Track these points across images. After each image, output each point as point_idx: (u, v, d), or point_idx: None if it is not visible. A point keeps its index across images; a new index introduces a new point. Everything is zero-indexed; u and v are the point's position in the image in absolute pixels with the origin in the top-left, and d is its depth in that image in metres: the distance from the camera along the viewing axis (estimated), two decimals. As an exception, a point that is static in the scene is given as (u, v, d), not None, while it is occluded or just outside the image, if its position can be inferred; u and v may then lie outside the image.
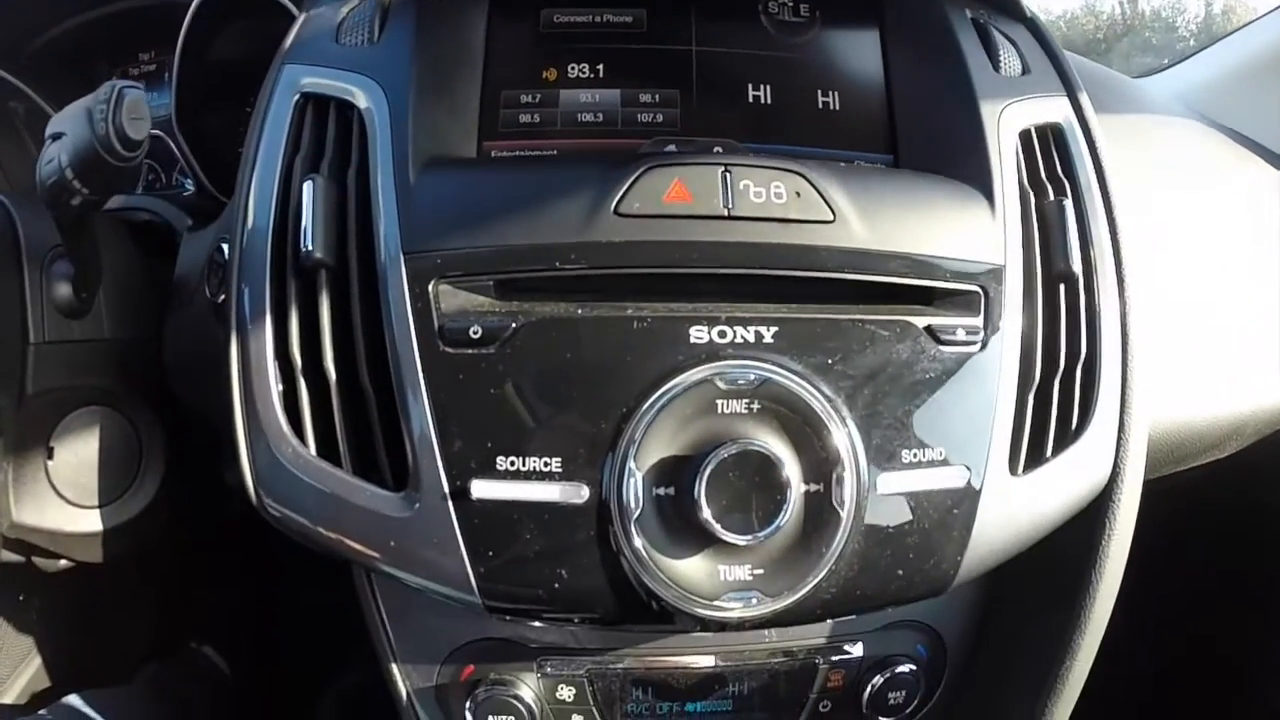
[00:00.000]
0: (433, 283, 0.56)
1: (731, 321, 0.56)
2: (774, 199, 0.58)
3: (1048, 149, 0.69)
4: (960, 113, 0.67)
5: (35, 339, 0.74)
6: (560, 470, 0.54)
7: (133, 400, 0.79)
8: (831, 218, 0.59)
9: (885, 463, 0.57)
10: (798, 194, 0.58)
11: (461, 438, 0.55)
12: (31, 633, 1.06)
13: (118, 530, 0.80)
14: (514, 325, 0.55)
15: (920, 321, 0.59)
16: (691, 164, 0.58)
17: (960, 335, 0.59)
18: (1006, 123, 0.66)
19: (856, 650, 0.70)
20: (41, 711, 0.92)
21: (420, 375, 0.55)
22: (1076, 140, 0.69)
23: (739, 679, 0.69)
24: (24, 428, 0.75)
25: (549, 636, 0.68)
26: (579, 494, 0.54)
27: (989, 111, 0.66)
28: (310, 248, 0.58)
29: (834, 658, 0.69)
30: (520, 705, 0.67)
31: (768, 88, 0.70)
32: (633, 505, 0.53)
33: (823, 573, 0.55)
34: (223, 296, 0.68)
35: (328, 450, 0.58)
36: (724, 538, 0.52)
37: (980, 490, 0.59)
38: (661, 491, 0.54)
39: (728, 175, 0.58)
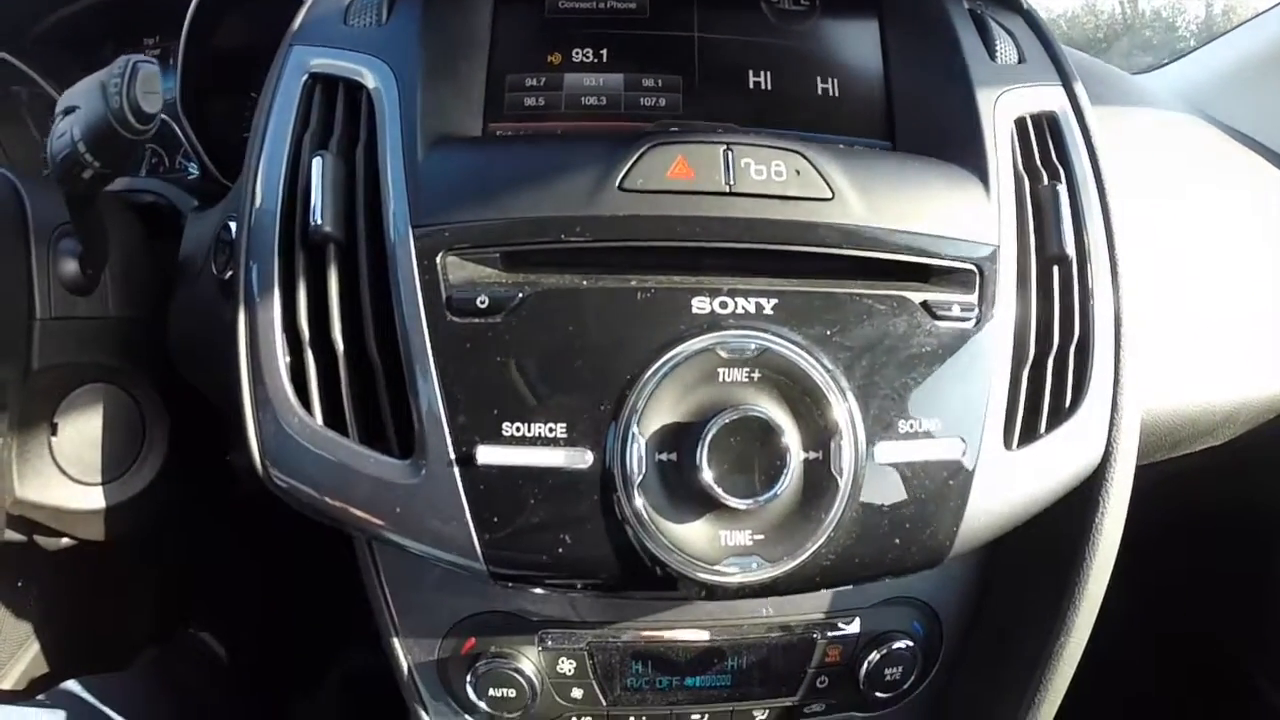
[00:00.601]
0: (440, 255, 0.58)
1: (733, 293, 0.58)
2: (774, 177, 0.60)
3: (1042, 136, 0.71)
4: (957, 100, 0.69)
5: (41, 314, 0.75)
6: (565, 436, 0.56)
7: (136, 378, 0.81)
8: (830, 196, 0.61)
9: (882, 433, 0.58)
10: (797, 172, 0.61)
11: (468, 405, 0.56)
12: (30, 619, 1.07)
13: (120, 507, 0.82)
14: (520, 295, 0.57)
15: (917, 297, 0.61)
16: (694, 142, 0.60)
17: (956, 311, 0.61)
18: (1002, 110, 0.69)
19: (853, 626, 0.72)
20: (40, 697, 0.95)
21: (428, 345, 0.57)
22: (1071, 128, 0.71)
23: (738, 653, 0.71)
24: (28, 403, 0.76)
25: (550, 609, 0.69)
26: (583, 459, 0.56)
27: (985, 98, 0.68)
28: (320, 221, 0.60)
29: (831, 633, 0.71)
30: (521, 678, 0.68)
31: (768, 74, 0.72)
32: (635, 470, 0.55)
33: (821, 539, 0.57)
34: (229, 273, 0.70)
35: (334, 420, 0.60)
36: (725, 501, 0.54)
37: (975, 463, 0.60)
38: (664, 457, 0.56)
39: (729, 153, 0.60)
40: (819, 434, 0.57)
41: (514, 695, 0.69)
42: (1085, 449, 0.66)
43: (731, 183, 0.60)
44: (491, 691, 0.69)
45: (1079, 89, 0.72)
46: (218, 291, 0.74)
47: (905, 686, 0.73)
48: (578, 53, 0.71)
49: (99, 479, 0.81)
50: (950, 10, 0.73)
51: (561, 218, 0.58)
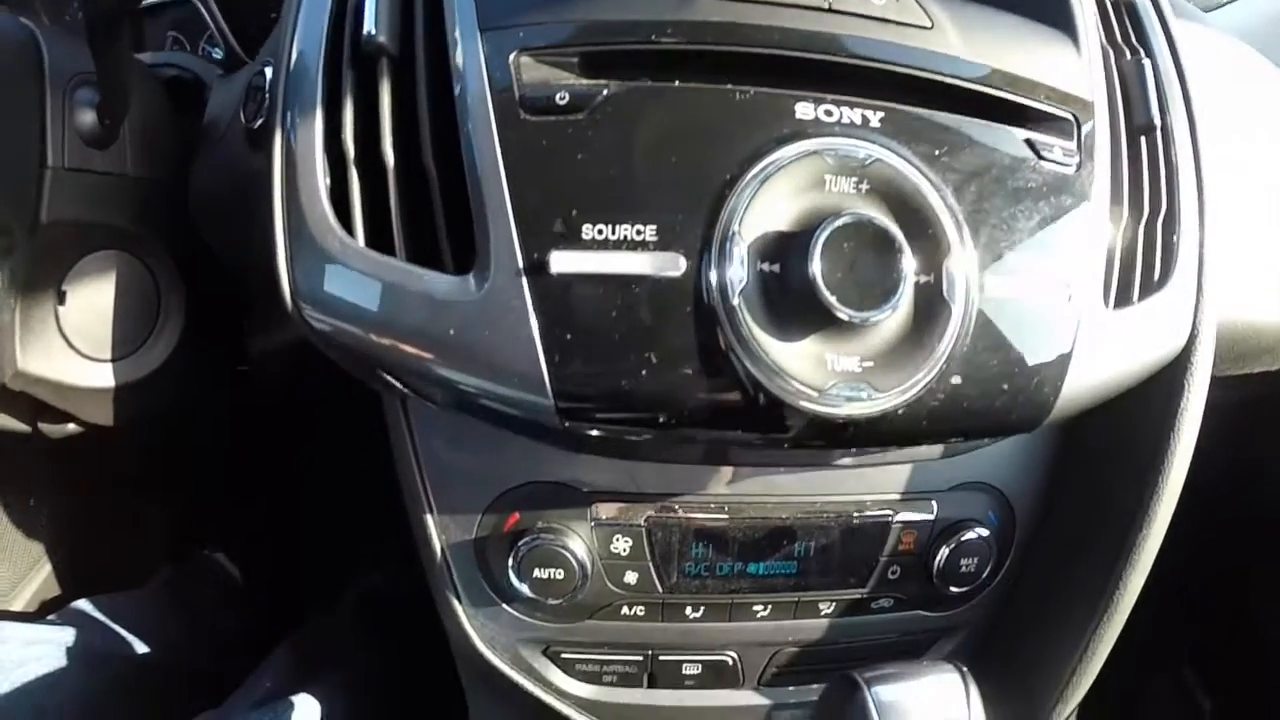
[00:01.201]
0: (513, 55, 0.49)
1: (838, 103, 0.49)
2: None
3: (1121, 17, 0.65)
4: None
5: (54, 163, 0.64)
6: (655, 239, 0.46)
7: (153, 247, 0.70)
8: (929, 24, 0.53)
9: (993, 263, 0.50)
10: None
11: (542, 206, 0.47)
12: (41, 540, 0.97)
13: (130, 388, 0.71)
14: (606, 92, 0.48)
15: (1020, 134, 0.53)
16: (791, -47, 0.51)
17: (1058, 155, 0.54)
18: (1085, -12, 0.61)
19: (929, 511, 0.62)
20: (50, 616, 0.84)
21: (497, 145, 0.47)
22: (1149, 14, 0.65)
23: (808, 535, 0.60)
24: (35, 264, 0.65)
25: (606, 479, 0.59)
26: (675, 266, 0.46)
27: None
28: (374, 31, 0.51)
29: (906, 516, 0.61)
30: (569, 556, 0.57)
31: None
32: (736, 278, 0.45)
33: (934, 371, 0.47)
34: (260, 121, 0.59)
35: (379, 242, 0.50)
36: (837, 311, 0.44)
37: (1078, 314, 0.52)
38: (766, 267, 0.46)
39: (829, -31, 0.51)
40: (931, 255, 0.48)
41: (561, 577, 0.58)
42: (1174, 324, 0.58)
43: (830, 0, 0.50)
44: (536, 573, 0.58)
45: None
46: (246, 144, 0.63)
47: (978, 582, 0.63)
48: None
49: (108, 355, 0.70)
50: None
51: (651, 20, 0.49)
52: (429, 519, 0.60)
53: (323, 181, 0.50)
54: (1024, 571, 0.66)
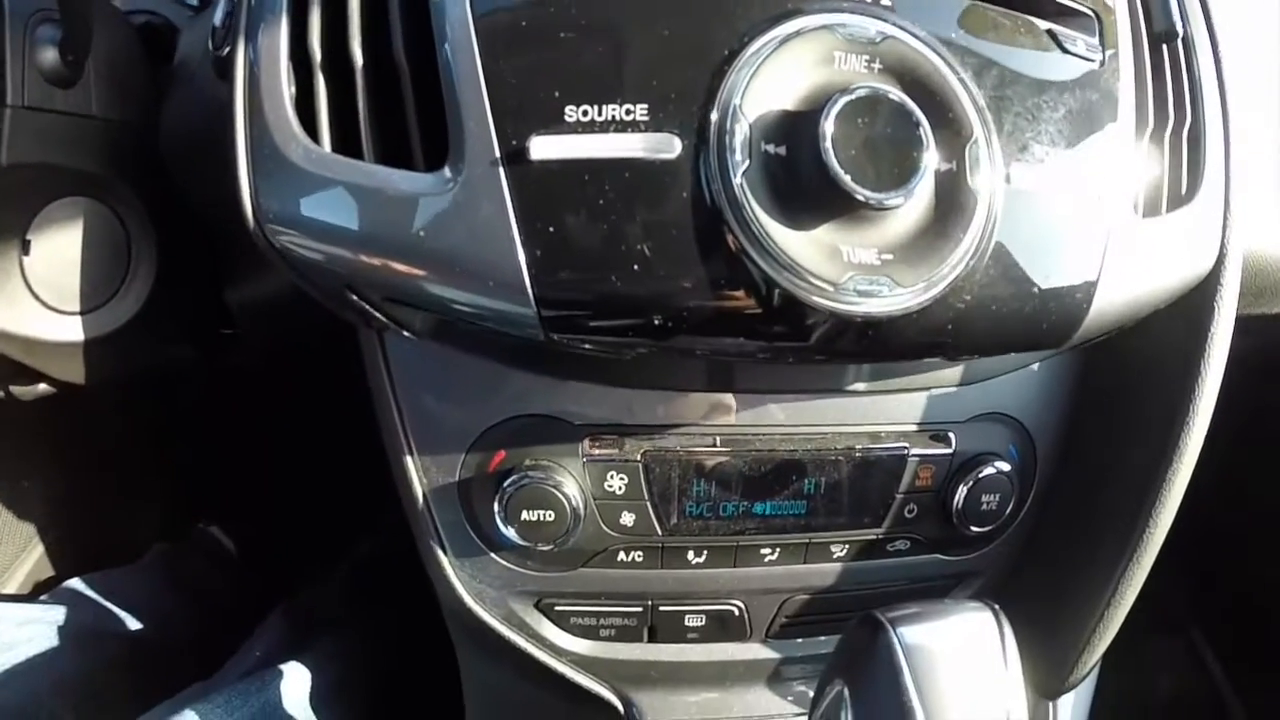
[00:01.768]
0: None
1: (847, -24, 0.41)
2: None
3: None
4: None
5: (13, 101, 0.57)
6: (646, 119, 0.39)
7: (122, 193, 0.62)
8: (944, -92, 0.45)
9: (1018, 154, 0.43)
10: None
11: (520, 89, 0.40)
12: (33, 520, 0.91)
13: (100, 343, 0.63)
14: (589, -39, 0.40)
15: (1041, 24, 0.46)
16: None
17: (1081, 48, 0.47)
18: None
19: (947, 444, 0.54)
20: (43, 596, 0.79)
21: (471, 24, 0.40)
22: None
23: (818, 470, 0.53)
24: None
25: (599, 410, 0.51)
26: (669, 147, 0.39)
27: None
28: None
29: (924, 450, 0.53)
30: (560, 496, 0.49)
31: None
32: (739, 159, 0.37)
33: (960, 265, 0.41)
34: (228, 48, 0.51)
35: (346, 148, 0.42)
36: (855, 193, 0.37)
37: (1107, 217, 0.45)
38: (771, 149, 0.38)
39: None
40: (951, 140, 0.41)
41: (551, 519, 0.50)
42: (1203, 241, 0.51)
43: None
44: (524, 515, 0.50)
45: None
46: (215, 75, 0.55)
47: (999, 521, 0.55)
48: None
49: (76, 307, 0.62)
50: None
51: None
52: (409, 461, 0.52)
53: (287, 90, 0.43)
54: (1046, 511, 0.59)
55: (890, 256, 0.39)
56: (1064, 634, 0.57)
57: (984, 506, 0.54)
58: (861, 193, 0.37)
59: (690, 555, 0.54)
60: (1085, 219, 0.44)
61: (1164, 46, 0.52)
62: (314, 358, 0.96)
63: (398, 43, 0.42)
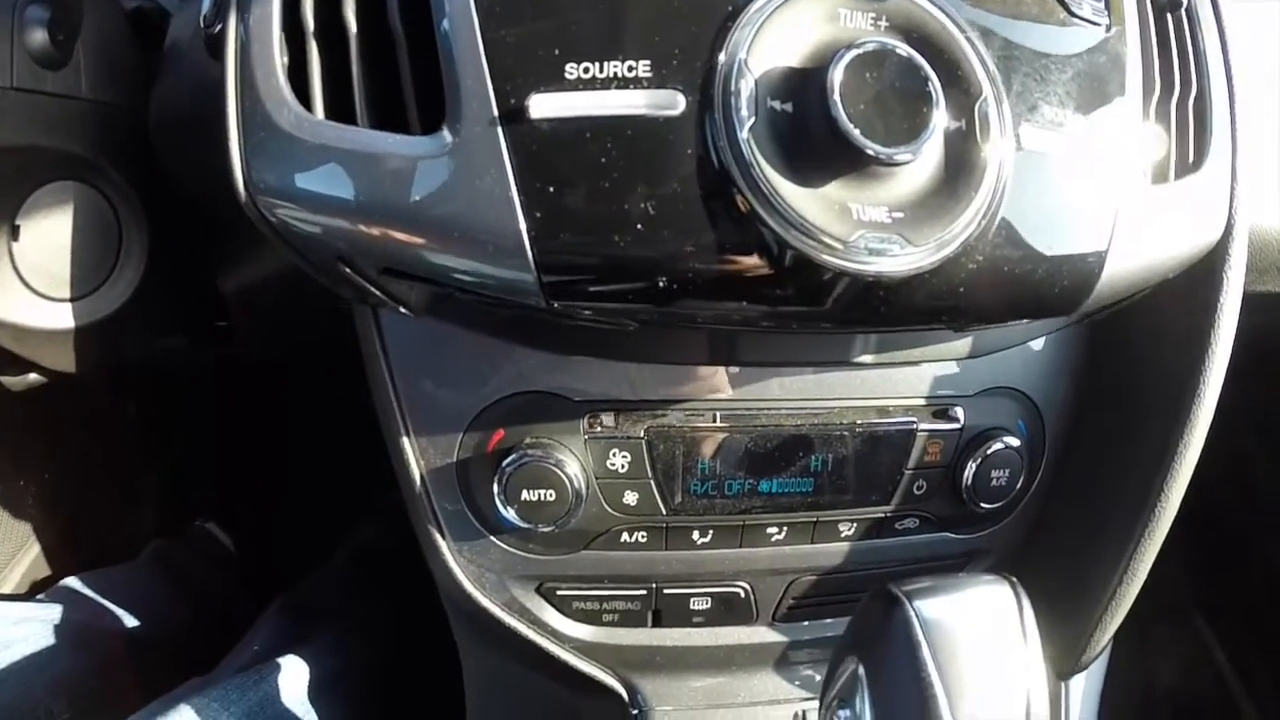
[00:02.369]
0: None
1: (850, -66, 0.39)
2: None
3: None
4: None
5: (1, 82, 0.54)
6: (649, 75, 0.37)
7: (113, 178, 0.60)
8: None
9: (1028, 114, 0.41)
10: None
11: (519, 46, 0.37)
12: (29, 518, 0.88)
13: (92, 330, 0.60)
14: (588, -86, 0.38)
15: None
16: None
17: (1088, 11, 0.45)
18: None
19: (955, 418, 0.52)
20: (39, 596, 0.76)
21: None
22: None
23: (825, 446, 0.50)
24: None
25: (600, 385, 0.49)
26: (673, 104, 0.37)
27: None
28: None
29: (932, 425, 0.51)
30: (561, 475, 0.47)
31: None
32: (745, 115, 0.35)
33: (971, 225, 0.38)
34: (220, 25, 0.49)
35: (340, 115, 0.40)
36: (865, 147, 0.35)
37: (1119, 178, 0.43)
38: (777, 106, 0.36)
39: None
40: (960, 100, 0.39)
41: (552, 499, 0.47)
42: (1211, 210, 0.49)
43: None
44: (525, 495, 0.47)
45: None
46: (206, 55, 0.52)
47: (1009, 497, 0.53)
48: None
49: (67, 294, 0.59)
50: None
51: None
52: (405, 443, 0.49)
53: (280, 59, 0.40)
54: (1055, 488, 0.56)
55: (901, 215, 0.37)
56: (1076, 612, 0.55)
57: (994, 482, 0.52)
58: (871, 147, 0.35)
59: (695, 535, 0.51)
60: (1096, 183, 0.42)
61: (1168, 16, 0.50)
62: (309, 349, 0.94)
63: (393, 3, 0.40)
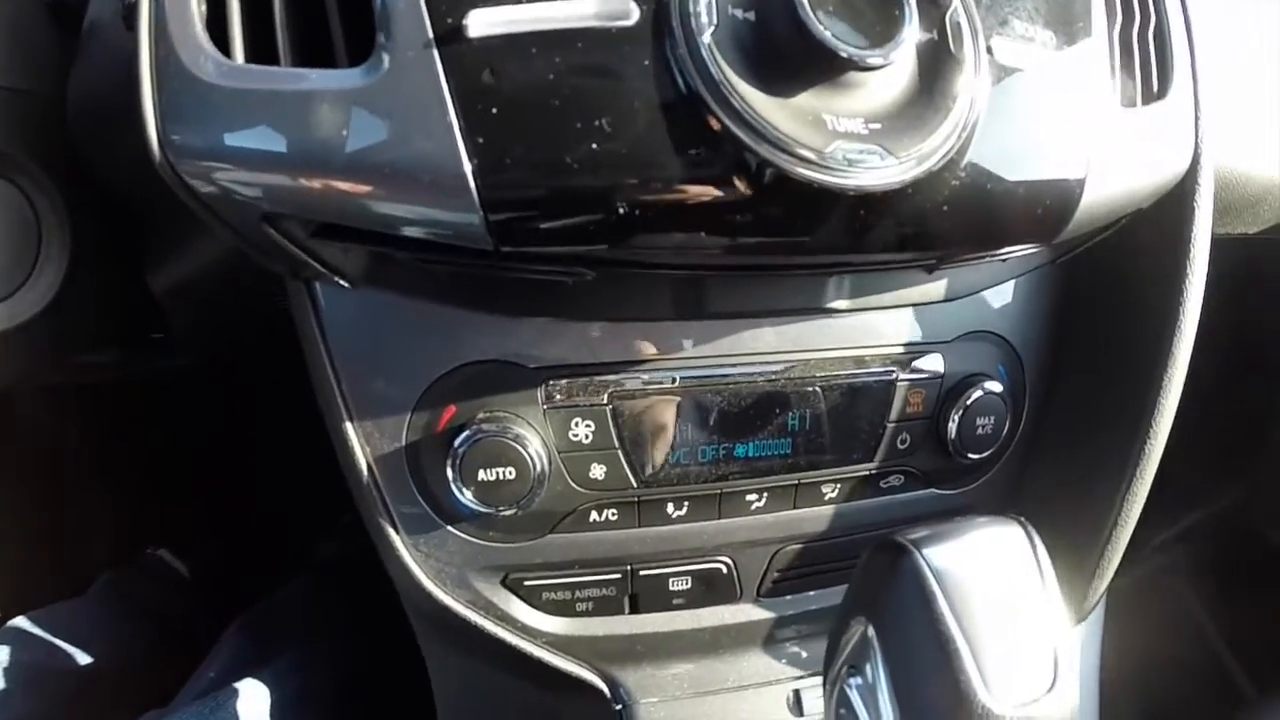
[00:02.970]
0: None
1: None
2: None
3: None
4: None
5: None
6: None
7: (29, 170, 0.53)
8: None
9: (999, 27, 0.38)
10: None
11: None
12: None
13: (13, 335, 0.53)
14: None
15: None
16: None
17: None
18: None
19: (935, 364, 0.48)
20: None
21: None
22: None
23: (802, 402, 0.46)
24: None
25: (556, 350, 0.43)
26: (626, 12, 0.32)
27: None
28: None
29: (912, 374, 0.47)
30: (520, 450, 0.42)
31: None
32: (705, 19, 0.30)
33: (951, 136, 0.35)
34: None
35: (260, 59, 0.34)
36: (838, 49, 0.31)
37: (1091, 96, 0.40)
38: (739, 14, 0.31)
39: None
40: (930, 11, 0.35)
41: (512, 477, 0.42)
42: (1178, 138, 0.46)
43: None
44: (481, 475, 0.42)
45: None
46: (125, 29, 0.47)
47: (995, 446, 0.49)
48: None
49: None
50: None
51: None
52: (349, 429, 0.43)
53: (197, 8, 0.34)
54: (1038, 434, 0.53)
55: (878, 126, 0.33)
56: (1075, 555, 0.51)
57: (979, 431, 0.48)
58: (844, 49, 0.31)
59: (670, 508, 0.46)
60: (1070, 102, 0.39)
61: None
62: (256, 361, 0.87)
63: None
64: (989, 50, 0.37)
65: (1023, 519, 0.36)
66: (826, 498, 0.49)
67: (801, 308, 0.45)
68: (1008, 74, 0.37)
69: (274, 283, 0.47)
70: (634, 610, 0.50)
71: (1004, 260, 0.45)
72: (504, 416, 0.43)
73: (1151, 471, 0.49)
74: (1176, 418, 0.50)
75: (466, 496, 0.43)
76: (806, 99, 0.32)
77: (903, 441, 0.48)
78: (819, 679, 0.52)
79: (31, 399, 0.86)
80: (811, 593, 0.52)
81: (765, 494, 0.48)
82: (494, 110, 0.32)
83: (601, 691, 0.50)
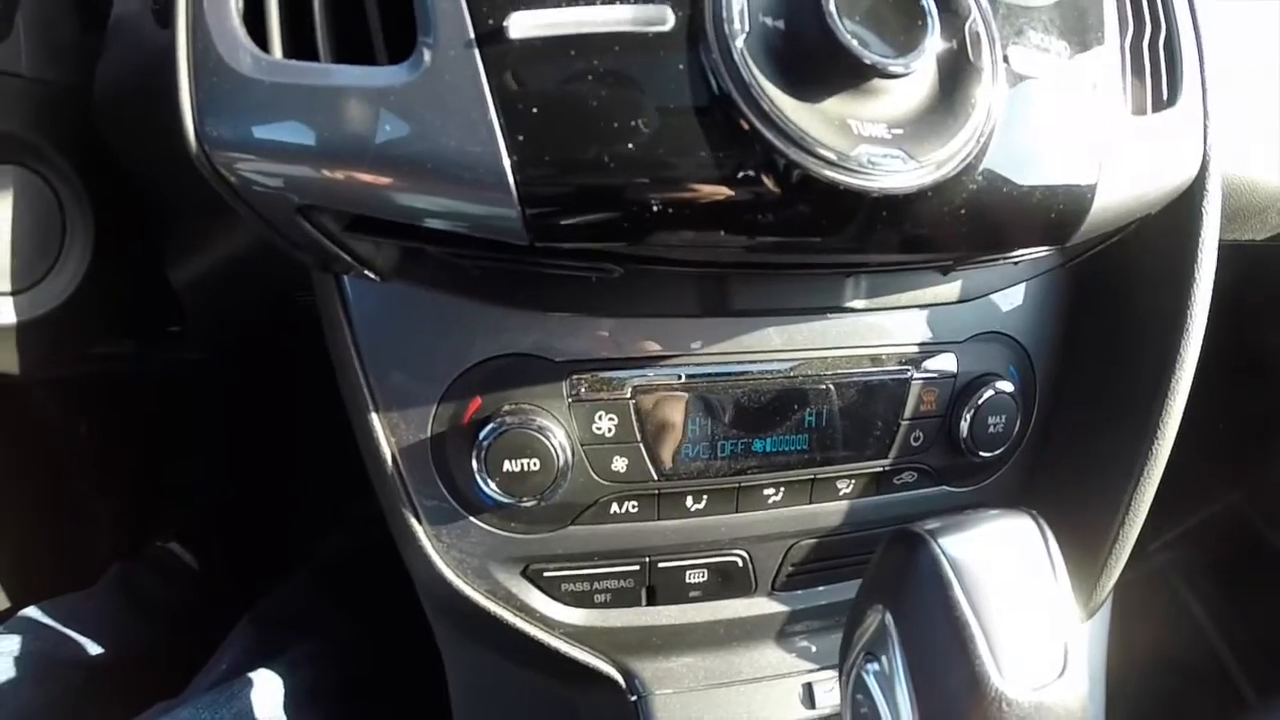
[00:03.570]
0: None
1: None
2: None
3: None
4: None
5: None
6: None
7: (54, 161, 0.55)
8: None
9: (1015, 37, 0.39)
10: None
11: None
12: None
13: (34, 326, 0.55)
14: None
15: None
16: None
17: None
18: None
19: (948, 363, 0.50)
20: None
21: None
22: None
23: (819, 399, 0.47)
24: None
25: (581, 345, 0.45)
26: (662, 18, 0.34)
27: None
28: None
29: (925, 373, 0.49)
30: (545, 441, 0.43)
31: None
32: (738, 26, 0.32)
33: (970, 142, 0.36)
34: None
35: (299, 54, 0.36)
36: (864, 57, 0.33)
37: (1104, 104, 0.42)
38: (769, 23, 0.33)
39: None
40: (951, 21, 0.37)
41: (536, 469, 0.43)
42: (1187, 146, 0.48)
43: None
44: (506, 466, 0.43)
45: None
46: (154, 26, 0.48)
47: (1006, 444, 0.51)
48: None
49: (8, 287, 0.53)
50: None
51: None
52: (374, 420, 0.44)
53: (234, 3, 0.36)
54: (1048, 433, 0.55)
55: (900, 132, 0.35)
56: (1080, 558, 0.53)
57: (991, 429, 0.50)
58: (869, 57, 0.32)
59: (689, 501, 0.48)
60: (1084, 110, 0.41)
61: None
62: (267, 357, 0.88)
63: None
64: (1006, 59, 0.38)
65: (1034, 512, 0.38)
66: (841, 493, 0.50)
67: (820, 307, 0.46)
68: (1023, 82, 0.39)
69: (296, 277, 0.48)
70: (651, 602, 0.51)
71: (1016, 263, 0.47)
72: (529, 409, 0.44)
73: (1159, 471, 0.51)
74: (1182, 419, 0.52)
75: (490, 487, 0.44)
76: (833, 104, 0.34)
77: (916, 439, 0.50)
78: (831, 673, 0.54)
79: (42, 392, 0.88)
80: (824, 587, 0.54)
81: (782, 488, 0.49)
82: (533, 109, 0.33)
83: (617, 683, 0.52)
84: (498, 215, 0.34)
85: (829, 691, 0.53)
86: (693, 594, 0.51)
